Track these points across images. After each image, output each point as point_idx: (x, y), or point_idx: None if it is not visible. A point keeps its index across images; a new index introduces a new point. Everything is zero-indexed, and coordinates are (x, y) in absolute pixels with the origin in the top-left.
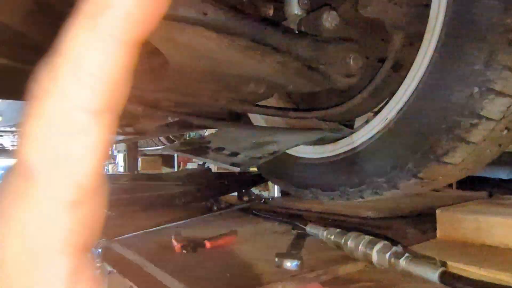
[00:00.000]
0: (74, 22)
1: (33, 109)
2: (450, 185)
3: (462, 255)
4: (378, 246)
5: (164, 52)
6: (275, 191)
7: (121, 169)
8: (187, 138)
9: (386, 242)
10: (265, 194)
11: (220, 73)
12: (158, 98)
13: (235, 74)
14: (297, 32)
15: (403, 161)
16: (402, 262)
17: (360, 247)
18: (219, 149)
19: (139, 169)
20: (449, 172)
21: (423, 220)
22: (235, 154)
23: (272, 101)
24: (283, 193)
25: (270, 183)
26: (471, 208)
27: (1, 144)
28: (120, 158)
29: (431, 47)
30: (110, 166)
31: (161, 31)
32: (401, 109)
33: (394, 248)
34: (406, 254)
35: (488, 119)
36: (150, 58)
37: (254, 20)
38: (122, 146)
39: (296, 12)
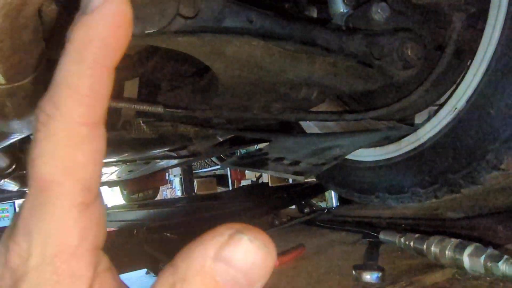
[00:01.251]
0: (65, 57)
1: (40, 131)
2: None
3: None
4: (469, 249)
5: (213, 68)
6: (333, 200)
7: (178, 193)
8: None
9: (478, 244)
10: (323, 204)
11: (271, 82)
12: (209, 117)
13: (286, 80)
14: (345, 29)
15: (480, 153)
16: (502, 265)
17: (447, 252)
18: (279, 159)
19: (195, 191)
20: None
21: (511, 216)
22: (296, 162)
23: (323, 107)
24: (343, 202)
25: (327, 193)
26: None
27: None
28: (176, 182)
29: (498, 25)
30: (168, 191)
31: (208, 46)
32: (471, 97)
33: (488, 250)
34: (505, 256)
35: None
36: (197, 78)
37: (302, 21)
38: (177, 170)
39: (341, 10)
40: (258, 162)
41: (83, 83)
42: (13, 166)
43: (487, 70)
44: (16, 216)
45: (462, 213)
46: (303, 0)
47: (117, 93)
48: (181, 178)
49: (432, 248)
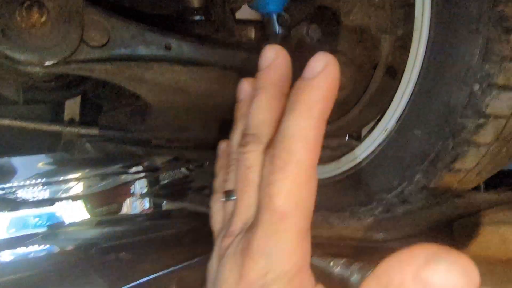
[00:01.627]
0: (295, 114)
1: (277, 173)
2: (477, 188)
3: (485, 275)
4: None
5: (138, 93)
6: None
7: (147, 204)
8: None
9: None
10: None
11: (203, 104)
12: (149, 138)
13: (217, 104)
14: None
15: (410, 173)
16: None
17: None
18: (201, 189)
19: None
20: (464, 179)
21: (440, 234)
22: None
23: None
24: None
25: None
26: (494, 216)
27: (21, 197)
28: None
29: (422, 47)
30: (137, 203)
31: (126, 73)
32: (400, 117)
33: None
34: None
35: (496, 117)
36: (135, 99)
37: (226, 47)
38: (143, 182)
39: (277, 30)
40: (178, 192)
41: (312, 135)
42: None
43: (413, 90)
44: (248, 239)
45: (395, 234)
46: (231, 23)
47: (55, 113)
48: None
49: (355, 275)
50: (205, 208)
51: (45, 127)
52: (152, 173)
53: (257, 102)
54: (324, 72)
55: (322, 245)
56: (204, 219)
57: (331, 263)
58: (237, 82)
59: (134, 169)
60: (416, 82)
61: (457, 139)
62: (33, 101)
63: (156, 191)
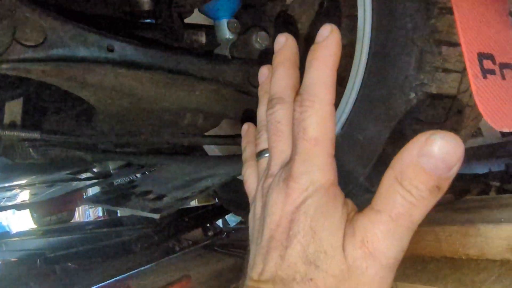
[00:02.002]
0: (315, 66)
1: (307, 111)
2: None
3: (420, 273)
4: None
5: (80, 96)
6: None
7: (100, 213)
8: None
9: None
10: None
11: (150, 108)
12: (95, 142)
13: (166, 108)
14: (230, 56)
15: (355, 177)
16: None
17: None
18: (144, 194)
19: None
20: None
21: None
22: (160, 197)
23: (227, 128)
24: None
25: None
26: (430, 217)
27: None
28: None
29: (364, 57)
30: (91, 211)
31: (65, 74)
32: (345, 123)
33: None
34: None
35: (431, 123)
36: (81, 103)
37: (172, 51)
38: (97, 189)
39: (227, 36)
40: (120, 197)
41: (329, 80)
42: None
43: (356, 97)
44: (289, 169)
45: None
46: (179, 27)
47: None
48: None
49: None
50: (147, 212)
51: None
52: (105, 179)
53: (278, 74)
54: (330, 35)
55: None
56: (154, 226)
57: None
58: (186, 87)
59: (83, 176)
60: (359, 90)
61: (397, 144)
62: None
63: (98, 197)
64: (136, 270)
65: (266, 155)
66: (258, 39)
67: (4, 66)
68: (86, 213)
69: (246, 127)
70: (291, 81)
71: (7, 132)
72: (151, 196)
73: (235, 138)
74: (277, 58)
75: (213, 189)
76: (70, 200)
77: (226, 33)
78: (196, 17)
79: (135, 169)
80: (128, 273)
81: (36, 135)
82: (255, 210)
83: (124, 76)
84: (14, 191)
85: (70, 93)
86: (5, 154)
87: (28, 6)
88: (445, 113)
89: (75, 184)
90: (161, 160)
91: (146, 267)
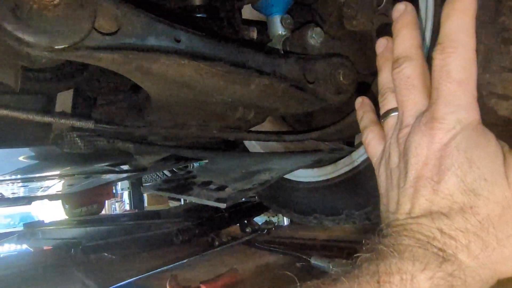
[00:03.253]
0: (452, 16)
1: (451, 55)
2: None
3: None
4: None
5: (141, 85)
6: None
7: (127, 207)
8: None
9: None
10: (274, 219)
11: (205, 101)
12: (144, 134)
13: (220, 101)
14: (283, 52)
15: None
16: None
17: None
18: (205, 184)
19: (145, 204)
20: None
21: None
22: (222, 188)
23: (267, 125)
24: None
25: None
26: None
27: (1, 193)
28: (125, 195)
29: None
30: (117, 205)
31: (132, 64)
32: None
33: None
34: None
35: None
36: (132, 93)
37: (234, 43)
38: (125, 183)
39: (280, 32)
40: (182, 186)
41: (471, 26)
42: None
43: None
44: (430, 112)
45: None
46: (237, 21)
47: (47, 105)
48: (129, 192)
49: None
50: (213, 201)
51: (38, 118)
52: (135, 173)
53: (402, 36)
54: None
55: (317, 247)
56: (195, 218)
57: (331, 265)
58: (242, 80)
59: (121, 168)
60: None
61: None
62: (26, 91)
63: (159, 185)
64: (180, 262)
65: (393, 113)
66: (314, 35)
67: (80, 53)
68: (113, 207)
69: (361, 99)
70: (416, 41)
71: (63, 120)
72: (212, 186)
73: (280, 135)
74: (400, 22)
75: (272, 182)
76: (101, 193)
77: (279, 29)
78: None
79: (171, 163)
80: (172, 265)
81: (90, 124)
82: (390, 161)
83: (187, 67)
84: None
85: (120, 86)
86: (55, 143)
87: None
88: (509, 114)
89: (107, 178)
90: (207, 154)
91: (190, 259)
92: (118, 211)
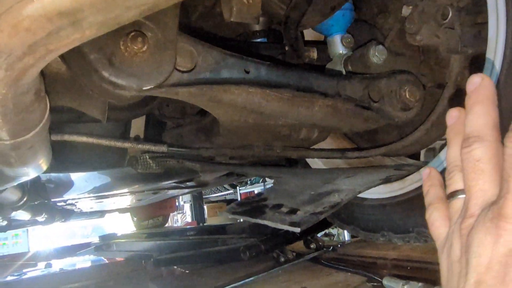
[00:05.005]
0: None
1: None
2: None
3: None
4: None
5: (212, 113)
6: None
7: (188, 218)
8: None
9: None
10: (334, 232)
11: (270, 124)
12: (212, 155)
13: (285, 123)
14: (344, 72)
15: None
16: None
17: None
18: (277, 207)
19: (205, 216)
20: None
21: None
22: (294, 211)
23: (328, 141)
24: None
25: None
26: None
27: (80, 208)
28: (187, 207)
29: (496, 67)
30: (179, 216)
31: (206, 95)
32: None
33: None
34: None
35: None
36: (200, 117)
37: (298, 69)
38: (187, 196)
39: (340, 51)
40: (255, 209)
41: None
42: (25, 199)
43: None
44: (497, 208)
45: None
46: (300, 44)
47: (124, 131)
48: (191, 204)
49: None
50: (287, 225)
51: (118, 144)
52: (197, 188)
53: (475, 113)
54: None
55: (388, 266)
56: (260, 234)
57: (406, 286)
58: (306, 103)
59: (186, 184)
60: None
61: None
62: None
63: (234, 209)
64: (250, 279)
65: (460, 196)
66: (376, 53)
67: (162, 90)
68: (175, 219)
69: (428, 170)
70: (490, 119)
71: (140, 146)
72: (284, 209)
73: (344, 152)
74: (473, 97)
75: (343, 204)
76: (165, 206)
77: (340, 48)
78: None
79: (232, 178)
80: (243, 281)
81: (163, 148)
82: (452, 252)
83: (255, 95)
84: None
85: (187, 110)
86: (130, 165)
87: (185, 36)
88: None
89: (172, 192)
90: (270, 172)
91: (259, 275)
92: (180, 223)
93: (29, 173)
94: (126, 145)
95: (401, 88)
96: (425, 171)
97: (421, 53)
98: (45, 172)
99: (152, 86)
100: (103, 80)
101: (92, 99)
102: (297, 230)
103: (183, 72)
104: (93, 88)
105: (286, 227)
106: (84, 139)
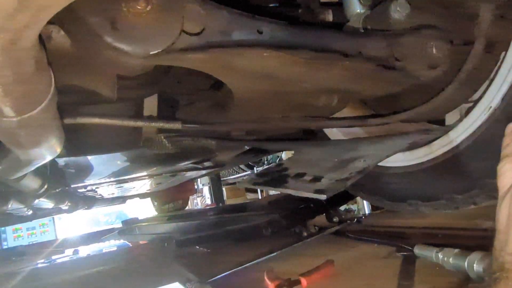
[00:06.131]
0: None
1: None
2: None
3: None
4: None
5: (225, 82)
6: (365, 205)
7: (208, 201)
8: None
9: None
10: (354, 207)
11: (287, 91)
12: (227, 130)
13: (303, 90)
14: (363, 31)
15: None
16: None
17: None
18: (299, 175)
19: (224, 198)
20: None
21: None
22: (318, 178)
23: (346, 111)
24: (374, 207)
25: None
26: None
27: (101, 195)
28: (205, 190)
29: None
30: (199, 199)
31: (218, 61)
32: (506, 94)
33: None
34: None
35: None
36: (214, 92)
37: (315, 28)
38: (205, 179)
39: (358, 10)
40: (277, 179)
41: None
42: (45, 186)
43: None
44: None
45: None
46: (315, 4)
47: (137, 111)
48: (209, 187)
49: (475, 266)
50: (312, 192)
51: (131, 123)
52: (216, 169)
53: None
54: None
55: (417, 235)
56: (281, 210)
57: (440, 254)
58: (325, 66)
59: (203, 165)
60: None
61: None
62: (118, 100)
63: (255, 180)
64: (273, 254)
65: None
66: (398, 8)
67: (171, 56)
68: (195, 202)
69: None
70: None
71: (153, 123)
72: (307, 177)
73: (365, 119)
74: None
75: (370, 170)
76: (185, 189)
77: (357, 7)
78: None
79: (249, 156)
80: (266, 257)
81: (177, 125)
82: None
83: (270, 58)
84: (141, 182)
85: (200, 86)
86: (146, 146)
87: None
88: None
89: (189, 174)
90: (290, 145)
91: (282, 251)
92: (200, 206)
93: (44, 156)
94: (139, 124)
95: (427, 44)
96: (509, 125)
97: (446, 7)
98: (60, 156)
99: (160, 50)
100: (106, 46)
101: (100, 75)
102: (323, 197)
103: (191, 35)
104: (99, 59)
105: (311, 195)
106: (96, 120)
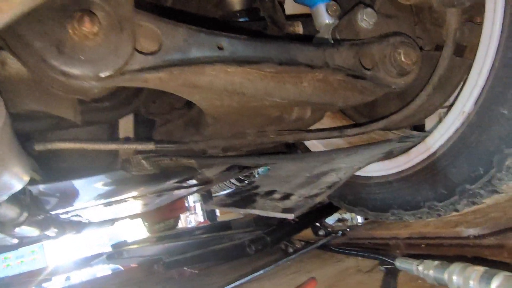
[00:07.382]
0: None
1: None
2: None
3: None
4: (498, 280)
5: (192, 100)
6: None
7: (201, 218)
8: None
9: (507, 273)
10: (347, 216)
11: (259, 106)
12: (204, 148)
13: (273, 104)
14: (332, 41)
15: (499, 158)
16: None
17: (471, 282)
18: (269, 193)
19: (217, 214)
20: None
21: None
22: (287, 196)
23: (326, 121)
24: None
25: None
26: None
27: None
28: (197, 207)
29: (498, 17)
30: (192, 217)
31: (179, 80)
32: (478, 98)
33: None
34: None
35: None
36: (187, 110)
37: (278, 41)
38: (196, 196)
39: (327, 21)
40: (245, 199)
41: None
42: (24, 214)
43: (492, 66)
44: None
45: (487, 229)
46: (280, 18)
47: (111, 133)
48: (201, 203)
49: (454, 278)
50: (279, 212)
51: (103, 146)
52: (204, 186)
53: None
54: None
55: (401, 247)
56: (265, 226)
57: (420, 266)
58: (293, 78)
59: (188, 183)
60: (496, 56)
61: None
62: (89, 123)
63: (223, 200)
64: (258, 273)
65: None
66: (365, 17)
67: (126, 77)
68: (188, 220)
69: None
70: None
71: (126, 146)
72: (276, 195)
73: (342, 130)
74: None
75: (341, 184)
76: (174, 208)
77: (326, 18)
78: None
79: (233, 174)
80: (251, 276)
81: (150, 146)
82: None
83: (234, 74)
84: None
85: (174, 105)
86: (123, 168)
87: (143, 14)
88: None
89: (178, 193)
90: (267, 160)
91: (266, 269)
92: (193, 224)
93: (9, 185)
94: (112, 146)
95: (396, 51)
96: None
97: (414, 14)
98: (34, 183)
99: (112, 72)
100: (54, 70)
101: (59, 99)
102: (291, 216)
103: (146, 54)
104: (54, 84)
105: (278, 215)
106: (68, 145)
